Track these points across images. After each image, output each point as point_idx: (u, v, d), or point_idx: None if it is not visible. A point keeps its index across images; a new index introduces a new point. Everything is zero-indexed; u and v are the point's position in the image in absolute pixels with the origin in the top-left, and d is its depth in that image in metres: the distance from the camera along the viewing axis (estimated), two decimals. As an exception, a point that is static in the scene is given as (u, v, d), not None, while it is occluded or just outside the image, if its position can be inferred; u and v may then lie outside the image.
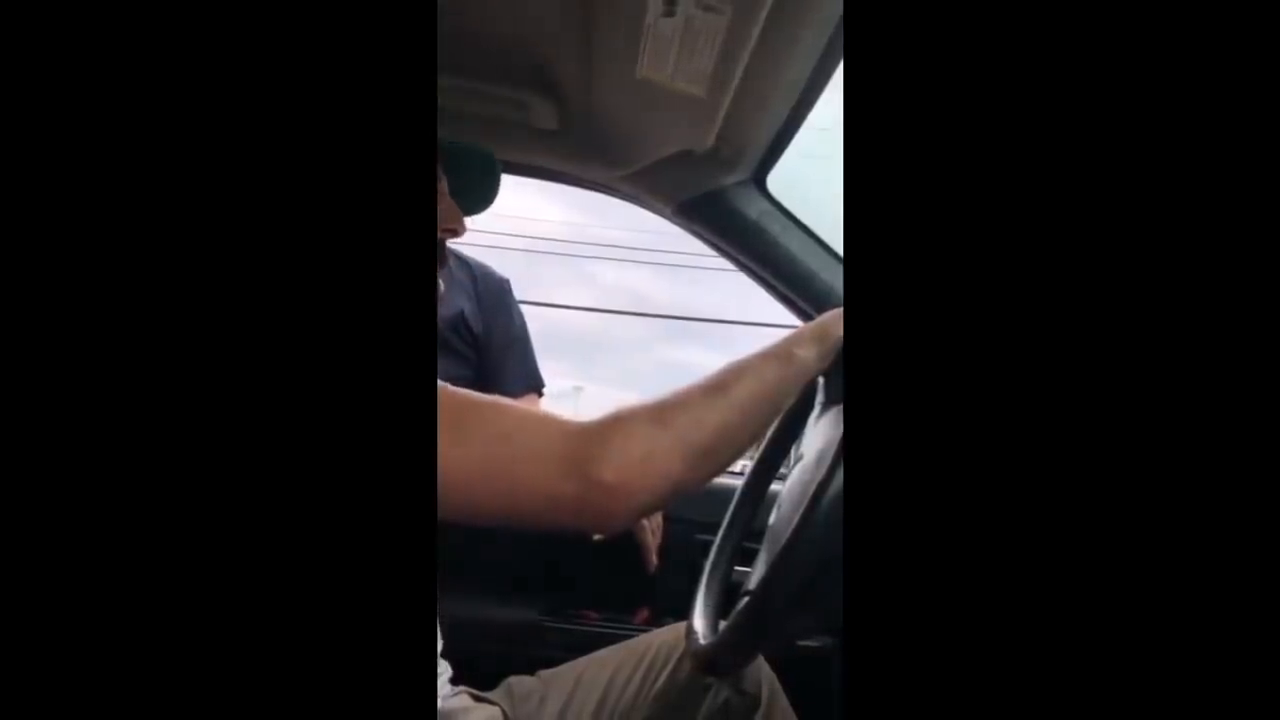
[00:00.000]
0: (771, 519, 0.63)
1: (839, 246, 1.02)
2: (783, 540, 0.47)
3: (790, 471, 0.67)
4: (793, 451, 0.74)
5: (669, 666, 0.75)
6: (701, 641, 0.58)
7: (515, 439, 0.49)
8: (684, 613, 0.64)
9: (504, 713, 0.72)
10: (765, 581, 0.48)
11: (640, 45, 0.71)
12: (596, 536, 0.95)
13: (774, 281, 1.01)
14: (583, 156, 0.97)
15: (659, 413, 0.53)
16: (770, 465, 0.75)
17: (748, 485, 0.76)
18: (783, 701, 0.75)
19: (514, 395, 1.23)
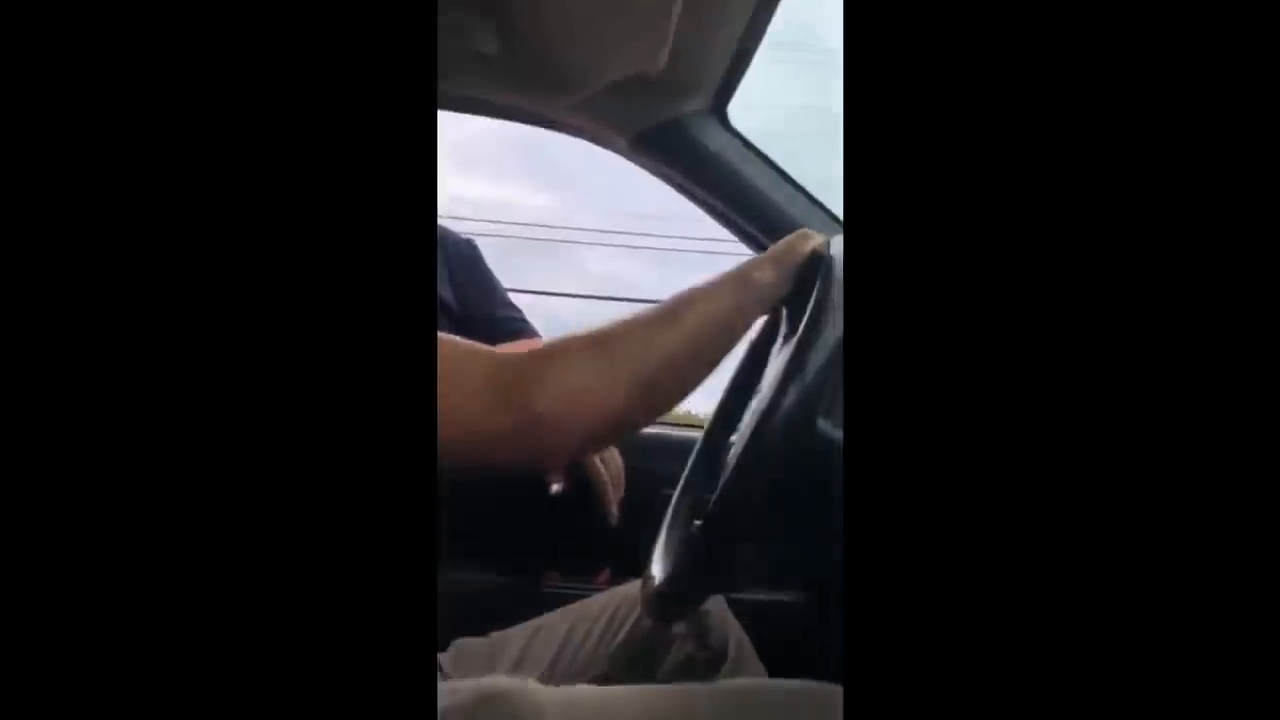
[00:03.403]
0: (730, 453, 0.59)
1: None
2: (732, 466, 0.43)
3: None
4: (754, 402, 0.70)
5: (629, 623, 0.72)
6: (655, 585, 0.54)
7: (445, 371, 0.44)
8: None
9: (441, 670, 0.68)
10: (716, 506, 0.44)
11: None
12: (555, 487, 0.90)
13: (735, 217, 0.95)
14: (527, 83, 0.90)
15: (601, 340, 0.49)
16: (732, 414, 0.71)
17: (707, 435, 0.72)
18: (749, 652, 0.71)
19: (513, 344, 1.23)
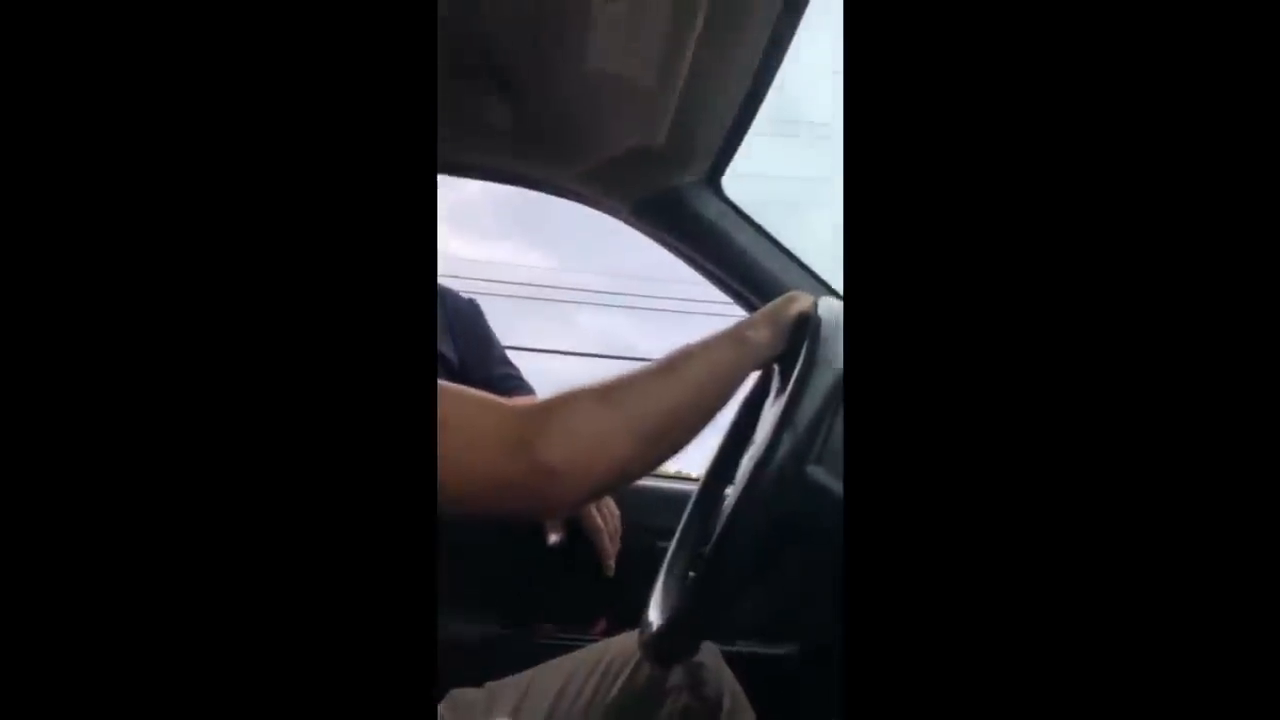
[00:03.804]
0: (725, 504, 0.61)
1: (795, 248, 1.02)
2: (728, 513, 0.45)
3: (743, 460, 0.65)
4: (748, 453, 0.72)
5: (625, 673, 0.72)
6: (654, 629, 0.55)
7: (455, 422, 0.47)
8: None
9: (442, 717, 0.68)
10: (712, 551, 0.46)
11: (588, 33, 0.71)
12: (552, 537, 0.91)
13: (728, 279, 1.00)
14: (537, 155, 0.96)
15: (606, 393, 0.51)
16: (726, 468, 0.74)
17: (703, 487, 0.74)
18: (744, 704, 0.72)
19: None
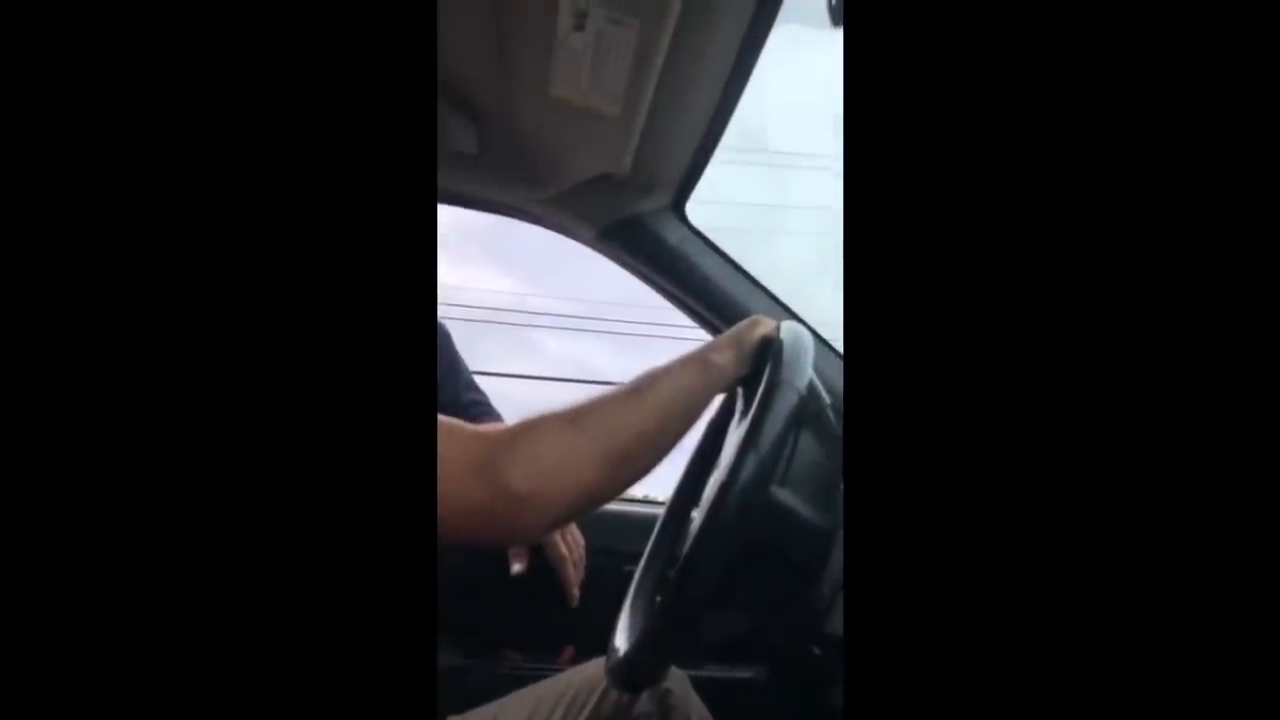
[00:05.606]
0: (691, 527, 0.62)
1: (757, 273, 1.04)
2: (694, 536, 0.45)
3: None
4: (713, 476, 0.73)
5: (592, 702, 0.71)
6: (620, 655, 0.55)
7: None
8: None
9: None
10: (678, 574, 0.46)
11: (552, 61, 0.72)
12: (516, 566, 0.90)
13: (695, 306, 1.01)
14: (502, 180, 0.96)
15: (572, 418, 0.51)
16: (692, 491, 0.74)
17: (670, 511, 0.74)
18: (711, 730, 0.71)
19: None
